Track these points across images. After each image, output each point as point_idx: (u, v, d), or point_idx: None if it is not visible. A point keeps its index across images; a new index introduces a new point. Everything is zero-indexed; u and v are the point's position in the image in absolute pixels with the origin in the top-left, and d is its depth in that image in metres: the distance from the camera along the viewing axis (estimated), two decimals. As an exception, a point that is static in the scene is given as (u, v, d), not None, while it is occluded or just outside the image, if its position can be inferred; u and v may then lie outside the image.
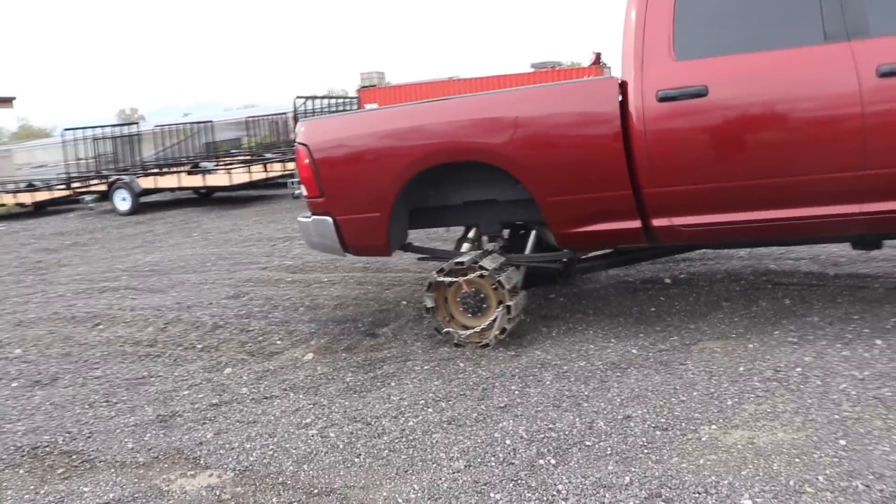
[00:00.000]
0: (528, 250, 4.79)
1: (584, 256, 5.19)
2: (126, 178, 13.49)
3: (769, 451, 2.80)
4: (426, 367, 4.16)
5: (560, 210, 4.22)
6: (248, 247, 8.78)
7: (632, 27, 4.10)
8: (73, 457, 3.44)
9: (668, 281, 5.42)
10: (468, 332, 4.40)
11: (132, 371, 4.61)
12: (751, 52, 3.88)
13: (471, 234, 4.97)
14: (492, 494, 2.73)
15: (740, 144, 3.85)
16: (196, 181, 13.56)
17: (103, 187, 14.20)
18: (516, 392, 3.65)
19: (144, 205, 14.25)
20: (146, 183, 13.61)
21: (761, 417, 3.08)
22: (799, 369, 3.51)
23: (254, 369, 4.44)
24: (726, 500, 2.52)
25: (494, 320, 4.31)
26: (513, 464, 2.93)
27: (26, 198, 15.37)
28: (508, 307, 4.24)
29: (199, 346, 5.04)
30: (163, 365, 4.71)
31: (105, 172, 14.72)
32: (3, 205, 15.65)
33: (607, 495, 2.63)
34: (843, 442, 2.80)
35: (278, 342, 4.98)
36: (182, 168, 15.01)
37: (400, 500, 2.77)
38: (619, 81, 4.09)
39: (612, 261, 5.16)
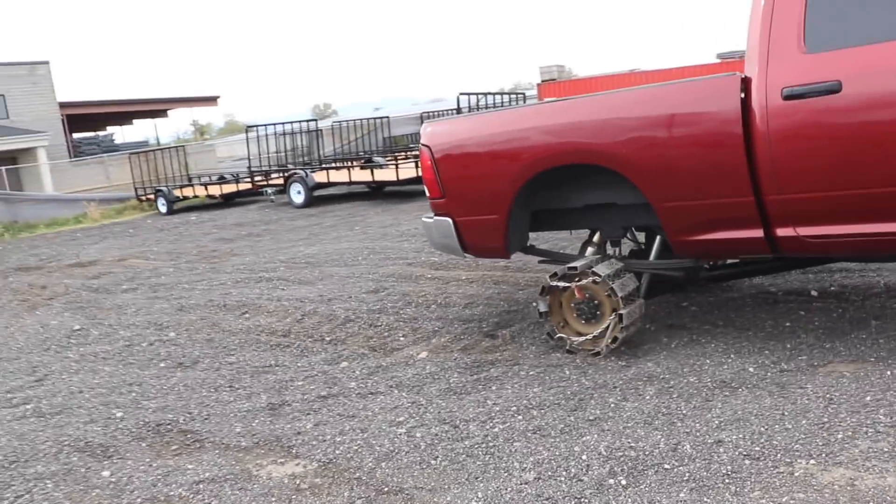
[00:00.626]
0: (652, 256, 4.59)
1: (711, 264, 4.91)
2: (301, 173, 14.36)
3: (868, 497, 2.50)
4: (531, 373, 4.11)
5: (676, 216, 3.99)
6: (401, 241, 9.05)
7: (758, 15, 3.76)
8: (188, 436, 3.74)
9: (814, 293, 4.96)
10: (580, 338, 4.28)
11: (261, 359, 4.92)
12: (893, 41, 3.42)
13: (595, 239, 4.78)
14: (552, 510, 2.64)
15: (877, 146, 3.41)
16: (366, 176, 14.17)
17: (281, 181, 15.21)
18: (612, 405, 3.51)
19: (319, 198, 15.09)
20: (320, 177, 14.40)
21: (873, 457, 2.75)
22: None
23: (368, 364, 4.60)
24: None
25: (607, 328, 4.16)
26: (581, 480, 2.83)
27: (216, 190, 16.82)
28: (621, 315, 4.07)
29: (328, 338, 5.28)
30: (290, 355, 4.98)
31: (283, 167, 15.74)
32: (196, 196, 17.19)
33: (669, 525, 2.46)
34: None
35: (401, 338, 5.11)
36: (354, 163, 15.72)
37: (460, 507, 2.76)
38: (742, 78, 3.76)
39: (742, 270, 4.85)
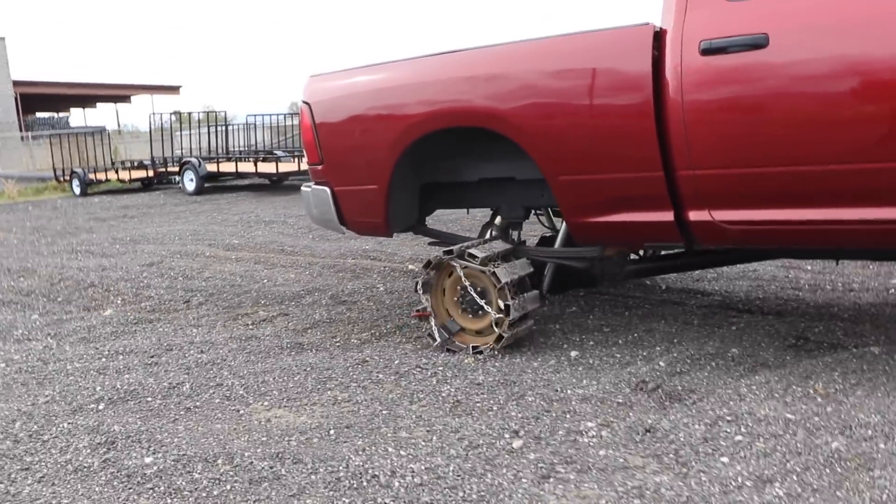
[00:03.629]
0: (558, 243, 3.96)
1: (635, 256, 4.46)
2: (194, 161, 15.02)
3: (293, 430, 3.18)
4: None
5: (573, 193, 3.43)
6: (228, 227, 9.70)
7: None
8: None
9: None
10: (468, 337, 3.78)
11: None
12: None
13: (497, 221, 4.23)
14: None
15: (806, 116, 2.86)
16: (249, 167, 14.83)
17: (176, 169, 15.89)
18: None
19: (220, 188, 15.75)
20: (211, 167, 15.06)
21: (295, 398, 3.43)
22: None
23: (55, 318, 5.26)
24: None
25: (494, 323, 3.63)
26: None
27: (126, 175, 17.45)
28: (507, 307, 3.55)
29: (59, 298, 5.95)
30: (11, 309, 5.64)
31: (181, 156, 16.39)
32: (111, 181, 17.80)
33: None
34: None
35: (114, 300, 5.76)
36: (240, 157, 16.33)
37: None
38: (655, 30, 3.17)
39: (670, 264, 4.27)
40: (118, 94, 37.62)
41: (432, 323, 3.81)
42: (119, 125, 39.60)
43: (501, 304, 3.56)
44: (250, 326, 4.70)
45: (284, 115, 17.77)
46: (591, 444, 2.70)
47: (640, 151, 3.18)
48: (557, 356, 3.69)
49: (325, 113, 4.12)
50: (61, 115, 38.01)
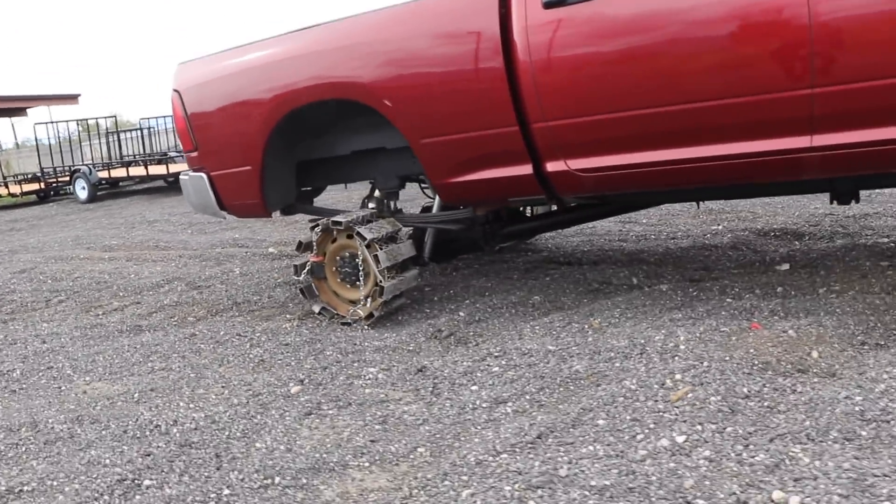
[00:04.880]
0: (434, 209, 4.14)
1: (511, 218, 4.66)
2: (84, 169, 14.86)
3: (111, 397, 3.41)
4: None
5: (435, 155, 3.53)
6: (112, 230, 9.74)
7: None
8: None
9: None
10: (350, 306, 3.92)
11: None
12: None
13: (376, 193, 4.32)
14: None
15: (649, 58, 2.99)
16: (140, 171, 14.77)
17: (67, 178, 15.68)
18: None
19: (117, 194, 15.62)
20: (103, 174, 14.92)
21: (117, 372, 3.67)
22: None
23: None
24: None
25: (371, 292, 3.80)
26: None
27: (29, 188, 17.07)
28: (377, 258, 3.68)
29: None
30: None
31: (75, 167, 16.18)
32: (12, 195, 17.37)
33: None
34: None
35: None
36: (131, 162, 16.22)
37: None
38: None
39: (546, 223, 4.54)
40: (12, 108, 36.27)
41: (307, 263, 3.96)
42: (16, 139, 38.29)
43: (378, 283, 3.70)
44: (100, 316, 4.89)
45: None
46: (364, 385, 3.04)
47: (493, 108, 3.28)
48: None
49: (194, 99, 4.17)
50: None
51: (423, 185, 4.93)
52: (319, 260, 3.94)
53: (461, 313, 3.89)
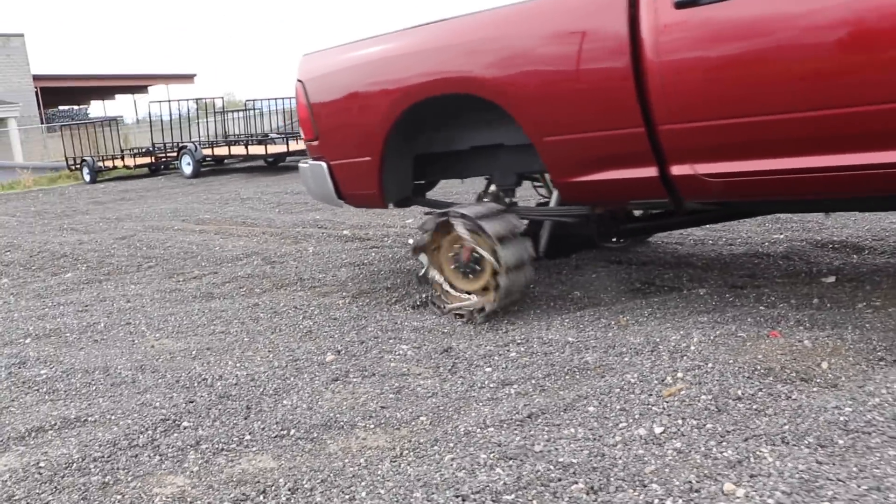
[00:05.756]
0: (551, 205, 4.03)
1: (633, 215, 4.56)
2: (190, 146, 15.81)
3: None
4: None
5: (558, 154, 3.52)
6: (207, 204, 10.42)
7: None
8: None
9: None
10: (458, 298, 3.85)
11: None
12: None
13: (491, 189, 4.29)
14: None
15: (785, 63, 2.86)
16: (241, 150, 15.58)
17: (175, 154, 16.72)
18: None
19: (216, 170, 16.54)
20: (207, 151, 15.85)
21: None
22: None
23: (20, 282, 5.99)
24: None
25: (488, 285, 3.72)
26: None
27: (131, 161, 18.33)
28: (496, 254, 3.59)
29: (34, 266, 6.68)
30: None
31: (182, 143, 17.22)
32: (119, 167, 18.68)
33: None
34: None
35: (68, 267, 6.48)
36: (234, 141, 17.10)
37: None
38: None
39: (664, 223, 4.42)
40: (135, 85, 38.67)
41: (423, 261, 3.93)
42: (137, 114, 40.72)
43: (495, 278, 3.63)
44: (180, 282, 5.39)
45: (282, 99, 18.46)
46: (392, 359, 3.33)
47: (619, 108, 3.22)
48: (417, 299, 4.31)
49: (317, 89, 4.26)
50: (81, 107, 39.26)
51: (536, 184, 4.94)
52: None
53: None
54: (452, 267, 3.84)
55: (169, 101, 17.37)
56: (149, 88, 40.42)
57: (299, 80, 4.32)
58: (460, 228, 3.68)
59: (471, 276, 3.78)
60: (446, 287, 3.88)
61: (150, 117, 18.09)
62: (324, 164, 4.30)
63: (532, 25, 3.46)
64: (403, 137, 4.06)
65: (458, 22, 3.78)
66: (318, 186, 4.40)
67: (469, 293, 3.79)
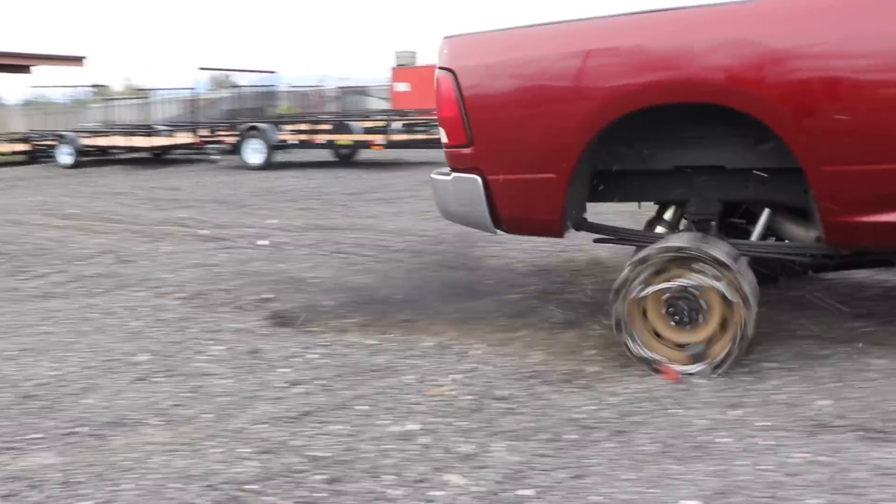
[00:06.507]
0: (755, 236, 3.40)
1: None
2: (68, 136, 15.42)
3: None
4: None
5: (842, 186, 2.88)
6: (77, 198, 10.30)
7: None
8: None
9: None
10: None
11: None
12: None
13: (667, 215, 3.63)
14: None
15: None
16: (124, 142, 15.33)
17: (55, 143, 16.28)
18: None
19: (95, 161, 16.21)
20: (89, 141, 15.51)
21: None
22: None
23: None
24: None
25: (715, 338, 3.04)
26: None
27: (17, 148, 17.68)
28: (743, 321, 2.96)
29: None
30: None
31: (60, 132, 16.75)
32: (1, 153, 17.92)
33: None
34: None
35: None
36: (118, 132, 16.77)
37: None
38: None
39: (854, 261, 3.69)
40: (13, 64, 36.65)
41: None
42: (18, 97, 38.82)
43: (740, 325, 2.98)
44: (23, 280, 5.44)
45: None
46: (202, 360, 3.58)
47: None
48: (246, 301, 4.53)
49: (478, 82, 3.41)
50: (-41, 84, 37.09)
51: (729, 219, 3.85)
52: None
53: (329, 303, 4.44)
54: (661, 311, 3.11)
55: (53, 85, 16.81)
56: (31, 69, 38.47)
57: (447, 69, 3.42)
58: (706, 270, 2.99)
59: (688, 325, 3.07)
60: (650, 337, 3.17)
61: (26, 102, 17.49)
62: (478, 179, 3.39)
63: (828, 21, 2.86)
64: (597, 151, 3.33)
65: (714, 10, 3.11)
66: (461, 206, 3.52)
67: (681, 346, 3.11)
